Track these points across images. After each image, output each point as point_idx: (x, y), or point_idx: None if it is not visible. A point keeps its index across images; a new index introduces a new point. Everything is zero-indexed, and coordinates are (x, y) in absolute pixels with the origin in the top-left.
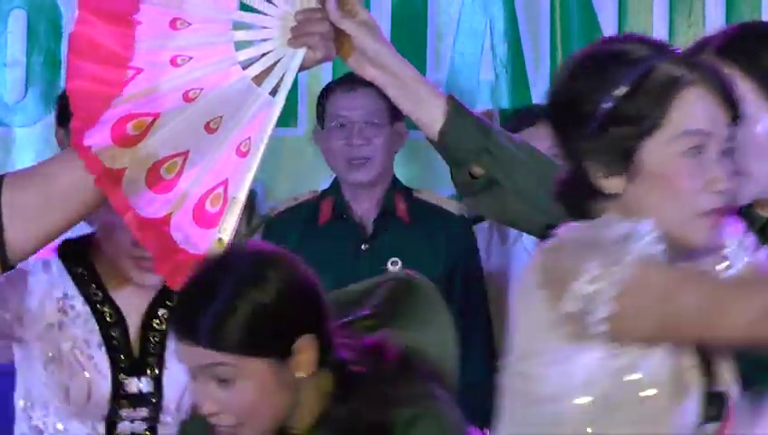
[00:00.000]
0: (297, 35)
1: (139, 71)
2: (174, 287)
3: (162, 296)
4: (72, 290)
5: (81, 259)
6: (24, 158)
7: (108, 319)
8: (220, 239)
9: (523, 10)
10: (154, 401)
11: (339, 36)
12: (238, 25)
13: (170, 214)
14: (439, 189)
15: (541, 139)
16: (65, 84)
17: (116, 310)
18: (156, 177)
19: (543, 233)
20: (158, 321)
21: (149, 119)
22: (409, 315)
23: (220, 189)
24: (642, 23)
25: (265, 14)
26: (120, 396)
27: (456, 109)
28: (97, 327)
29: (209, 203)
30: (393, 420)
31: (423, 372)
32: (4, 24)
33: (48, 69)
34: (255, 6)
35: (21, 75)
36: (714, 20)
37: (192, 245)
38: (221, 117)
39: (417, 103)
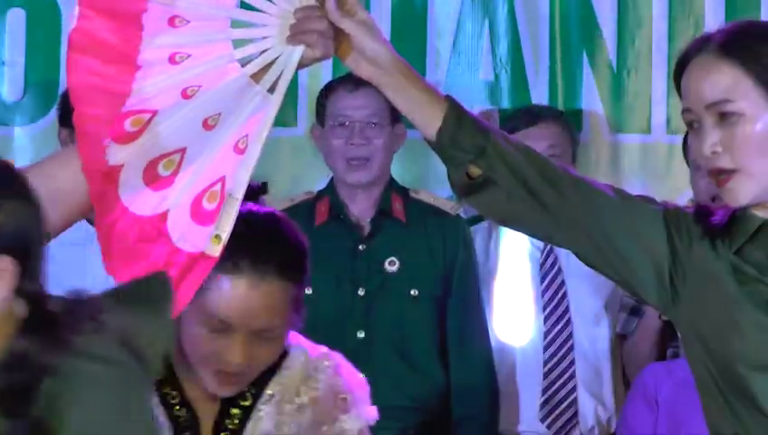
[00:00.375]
0: (295, 33)
1: (138, 67)
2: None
3: (235, 396)
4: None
5: None
6: (22, 157)
7: (181, 423)
8: (217, 236)
9: (522, 10)
10: None
11: (337, 35)
12: (237, 23)
13: (167, 211)
14: (437, 190)
15: (540, 138)
16: (66, 80)
17: (191, 414)
18: (153, 173)
19: (539, 234)
20: (229, 421)
21: (147, 116)
22: (142, 299)
23: (217, 187)
24: (642, 22)
25: (264, 12)
26: None
27: (455, 109)
28: (170, 434)
29: (206, 200)
30: (67, 368)
31: (123, 340)
32: (2, 23)
33: (47, 68)
34: (254, 4)
35: (20, 75)
36: (713, 20)
37: (188, 242)
38: (219, 114)
39: (415, 104)
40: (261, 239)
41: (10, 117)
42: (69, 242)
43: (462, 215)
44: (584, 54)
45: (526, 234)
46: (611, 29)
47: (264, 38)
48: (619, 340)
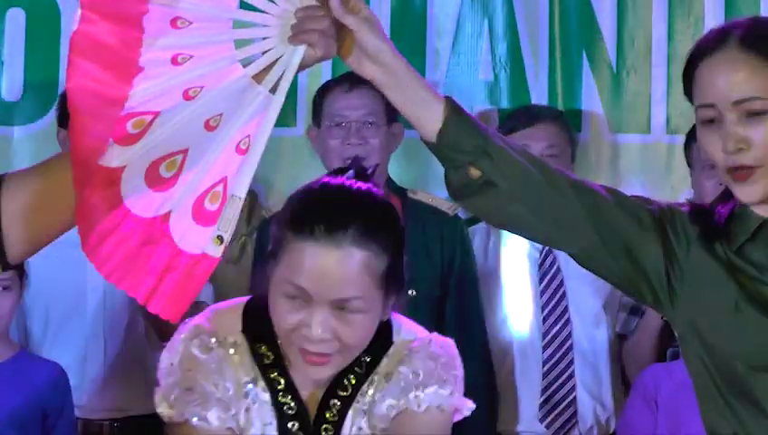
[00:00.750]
0: (297, 33)
1: (140, 70)
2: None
3: (335, 385)
4: (255, 374)
5: (266, 336)
6: (21, 157)
7: (287, 411)
8: (219, 237)
9: (521, 10)
10: None
11: (339, 35)
12: (239, 24)
13: (169, 212)
14: (435, 190)
15: (539, 138)
16: (66, 83)
17: (298, 401)
18: (155, 175)
19: (537, 237)
20: (330, 414)
21: (149, 117)
22: None
23: (219, 187)
24: (641, 22)
25: (266, 13)
26: None
27: (455, 110)
28: (275, 421)
29: (208, 201)
30: None
31: None
32: (2, 23)
33: (47, 68)
34: (256, 5)
35: (19, 75)
36: (713, 20)
37: (190, 242)
38: (221, 115)
39: (415, 103)
40: (341, 207)
41: (9, 117)
42: (69, 242)
43: (460, 215)
44: (584, 54)
45: (524, 237)
46: (611, 29)
47: (266, 38)
48: (619, 339)
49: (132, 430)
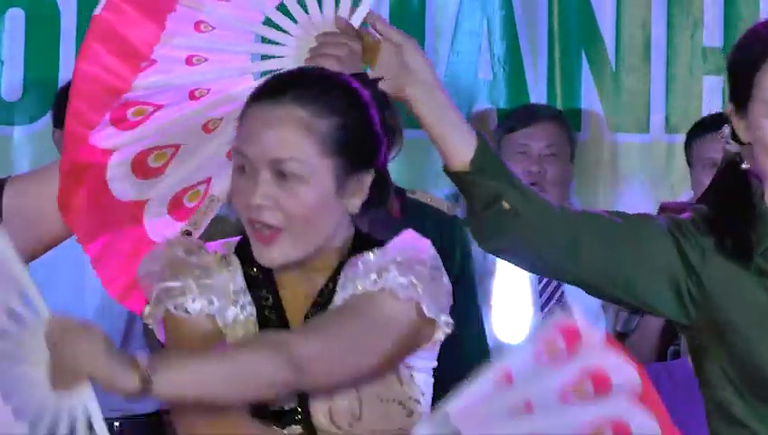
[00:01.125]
0: (314, 55)
1: (152, 63)
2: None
3: (317, 296)
4: (244, 287)
5: (258, 263)
6: (21, 157)
7: (270, 326)
8: (187, 231)
9: (520, 9)
10: (298, 417)
11: (366, 55)
12: (259, 39)
13: (146, 200)
14: (434, 190)
15: (537, 138)
16: (76, 64)
17: (282, 320)
18: (143, 164)
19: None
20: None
21: (151, 108)
22: None
23: (201, 187)
24: (640, 21)
25: (287, 33)
26: (260, 414)
27: (485, 141)
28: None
29: (187, 198)
30: None
31: None
32: (1, 22)
33: (46, 68)
34: (279, 24)
35: (19, 74)
36: (712, 20)
37: (159, 234)
38: (221, 119)
39: (447, 126)
40: (293, 76)
41: (9, 117)
42: (67, 242)
43: (459, 215)
44: (583, 54)
45: (535, 272)
46: (610, 28)
47: (282, 57)
48: (620, 338)
49: (133, 430)
